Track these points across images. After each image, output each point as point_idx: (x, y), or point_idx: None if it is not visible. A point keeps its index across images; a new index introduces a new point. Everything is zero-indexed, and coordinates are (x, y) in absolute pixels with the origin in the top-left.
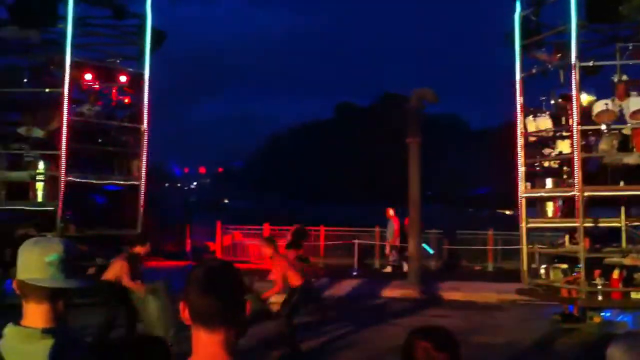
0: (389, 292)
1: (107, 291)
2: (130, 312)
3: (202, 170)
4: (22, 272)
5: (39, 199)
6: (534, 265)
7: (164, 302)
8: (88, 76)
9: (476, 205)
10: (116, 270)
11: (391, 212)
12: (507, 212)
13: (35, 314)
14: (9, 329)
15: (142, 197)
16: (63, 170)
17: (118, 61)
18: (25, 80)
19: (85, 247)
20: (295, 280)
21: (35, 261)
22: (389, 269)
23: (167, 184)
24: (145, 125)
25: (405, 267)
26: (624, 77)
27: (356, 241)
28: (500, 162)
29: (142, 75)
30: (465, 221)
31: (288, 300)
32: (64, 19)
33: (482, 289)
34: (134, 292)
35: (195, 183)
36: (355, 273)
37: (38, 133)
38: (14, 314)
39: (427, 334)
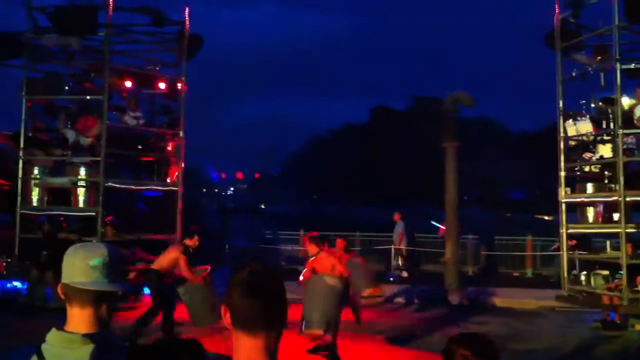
0: (425, 298)
1: (154, 281)
2: (168, 309)
3: (239, 175)
4: (66, 276)
5: (80, 204)
6: (574, 272)
7: (210, 292)
8: (128, 83)
9: (514, 210)
10: (172, 259)
11: (397, 216)
12: (547, 218)
13: (79, 319)
14: (52, 334)
15: (180, 202)
16: (103, 176)
17: (157, 68)
18: (66, 87)
19: (129, 252)
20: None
21: (80, 265)
22: (405, 274)
23: (204, 190)
24: (183, 131)
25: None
26: None
27: (393, 246)
28: (538, 167)
29: (180, 82)
30: (503, 226)
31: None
32: (104, 26)
33: (520, 295)
34: (181, 286)
35: (232, 188)
36: (392, 278)
37: (79, 140)
38: (57, 318)
39: (466, 341)
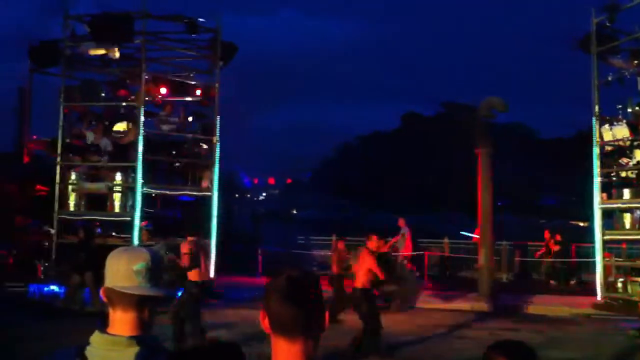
0: (459, 304)
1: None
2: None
3: (271, 181)
4: (110, 279)
5: (116, 209)
6: (610, 279)
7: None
8: (163, 90)
9: (547, 216)
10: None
11: (402, 222)
12: (581, 224)
13: (122, 322)
14: (96, 336)
15: (214, 207)
16: (139, 182)
17: (191, 75)
18: (103, 94)
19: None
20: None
21: (123, 269)
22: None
23: (236, 195)
24: (217, 137)
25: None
26: None
27: (426, 252)
28: (572, 172)
29: (214, 88)
30: (537, 232)
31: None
32: (140, 34)
33: (554, 302)
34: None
35: (264, 194)
36: (425, 284)
37: (115, 146)
38: (94, 321)
39: (505, 348)
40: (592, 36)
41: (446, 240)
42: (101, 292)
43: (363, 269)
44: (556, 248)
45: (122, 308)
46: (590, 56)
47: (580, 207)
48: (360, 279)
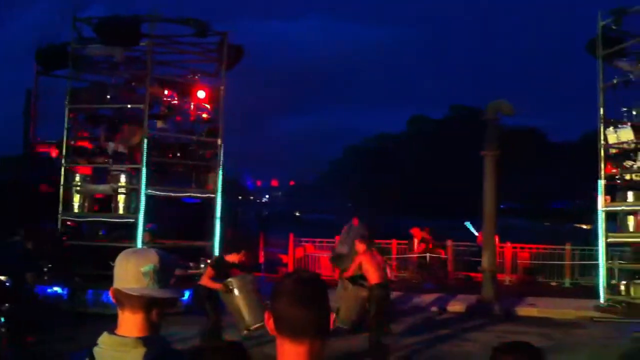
0: (462, 307)
1: (201, 295)
2: (215, 312)
3: (275, 183)
4: (118, 281)
5: (121, 211)
6: (613, 282)
7: (250, 295)
8: (169, 92)
9: (555, 219)
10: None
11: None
12: (585, 227)
13: (130, 323)
14: (104, 337)
15: (218, 209)
16: (144, 184)
17: (197, 77)
18: (109, 96)
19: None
20: (375, 279)
21: (132, 271)
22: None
23: (240, 197)
24: (221, 140)
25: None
26: None
27: (428, 255)
28: (579, 175)
29: (219, 91)
30: (543, 235)
31: (370, 300)
32: (147, 37)
33: (559, 305)
34: (218, 290)
35: (267, 196)
36: (429, 287)
37: (121, 148)
38: (98, 323)
39: (513, 350)
40: (598, 39)
41: (449, 242)
42: (110, 293)
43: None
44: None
45: (131, 309)
46: (597, 59)
47: (587, 210)
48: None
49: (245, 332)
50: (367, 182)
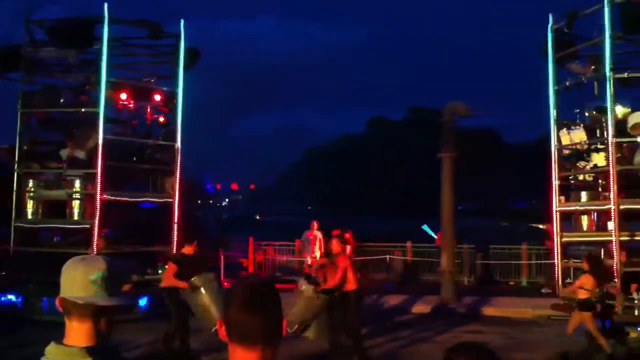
0: (422, 308)
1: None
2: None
3: (234, 186)
4: (66, 289)
5: (76, 216)
6: (568, 280)
7: (215, 292)
8: (124, 95)
9: (512, 219)
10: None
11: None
12: (541, 226)
13: (78, 332)
14: (52, 347)
15: (176, 214)
16: (99, 188)
17: (153, 80)
18: (62, 100)
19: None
20: (355, 284)
21: (80, 279)
22: None
23: (199, 201)
24: (179, 143)
25: None
26: None
27: (388, 256)
28: (536, 176)
29: (176, 94)
30: (501, 235)
31: (346, 305)
32: (101, 39)
33: (516, 304)
34: (182, 289)
35: (227, 199)
36: (389, 287)
37: (75, 152)
38: (51, 331)
39: (465, 351)
40: (551, 42)
41: (409, 244)
42: (57, 302)
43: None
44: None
45: (79, 318)
46: (549, 62)
47: (543, 210)
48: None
49: (214, 329)
50: (328, 183)
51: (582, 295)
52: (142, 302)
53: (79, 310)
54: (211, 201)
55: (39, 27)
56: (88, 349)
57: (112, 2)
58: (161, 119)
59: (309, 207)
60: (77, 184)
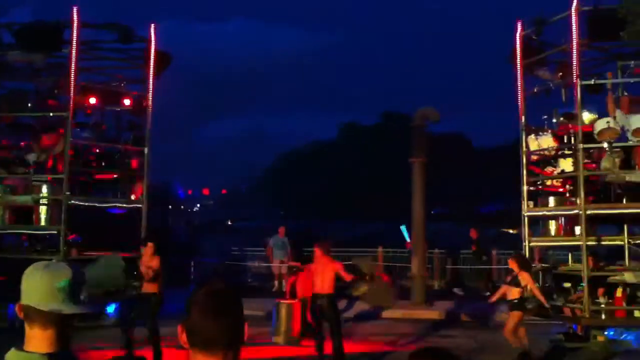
0: (392, 313)
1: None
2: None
3: (206, 191)
4: (29, 296)
5: (42, 222)
6: (537, 284)
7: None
8: (93, 100)
9: (482, 223)
10: None
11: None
12: (512, 231)
13: (40, 339)
14: (12, 353)
15: (144, 219)
16: (66, 194)
17: (123, 84)
18: (30, 104)
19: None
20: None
21: (45, 286)
22: None
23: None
24: (148, 148)
25: None
26: (626, 94)
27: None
28: (506, 180)
29: (146, 98)
30: (471, 240)
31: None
32: (69, 43)
33: (485, 308)
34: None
35: (198, 205)
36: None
37: (42, 157)
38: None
39: (428, 355)
40: (519, 49)
41: (380, 249)
42: (17, 309)
43: (328, 274)
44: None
45: (41, 325)
46: (518, 68)
47: (513, 215)
48: (327, 284)
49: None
50: (300, 188)
51: (514, 295)
52: (110, 309)
53: (43, 317)
54: (182, 206)
55: (7, 31)
56: (49, 355)
57: (83, 6)
58: (131, 124)
59: (281, 212)
60: (44, 189)
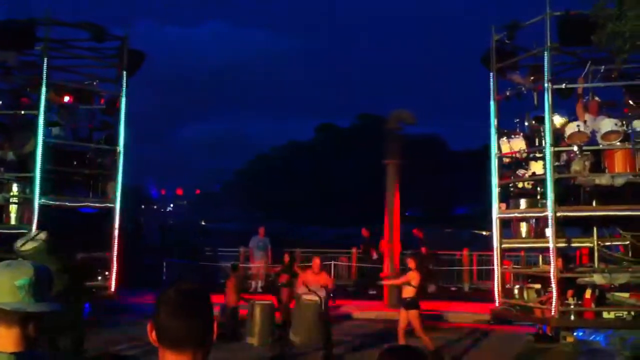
0: (366, 314)
1: None
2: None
3: (179, 192)
4: None
5: (13, 221)
6: (508, 286)
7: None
8: (66, 98)
9: (456, 225)
10: None
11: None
12: (484, 233)
13: (5, 338)
14: None
15: (116, 219)
16: (37, 193)
17: (95, 83)
18: (1, 102)
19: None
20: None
21: (6, 285)
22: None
23: (143, 206)
24: (121, 147)
25: None
26: (596, 99)
27: (332, 262)
28: (479, 183)
29: (119, 97)
30: (444, 241)
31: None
32: (42, 41)
33: (457, 309)
34: None
35: (172, 205)
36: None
37: (13, 156)
38: None
39: (396, 352)
40: (492, 53)
41: (354, 250)
42: None
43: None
44: None
45: (5, 324)
46: (490, 72)
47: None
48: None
49: None
50: (274, 190)
51: (408, 293)
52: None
53: (5, 316)
54: (155, 206)
55: None
56: (16, 355)
57: (57, 5)
58: (104, 123)
59: (257, 214)
60: (15, 187)
